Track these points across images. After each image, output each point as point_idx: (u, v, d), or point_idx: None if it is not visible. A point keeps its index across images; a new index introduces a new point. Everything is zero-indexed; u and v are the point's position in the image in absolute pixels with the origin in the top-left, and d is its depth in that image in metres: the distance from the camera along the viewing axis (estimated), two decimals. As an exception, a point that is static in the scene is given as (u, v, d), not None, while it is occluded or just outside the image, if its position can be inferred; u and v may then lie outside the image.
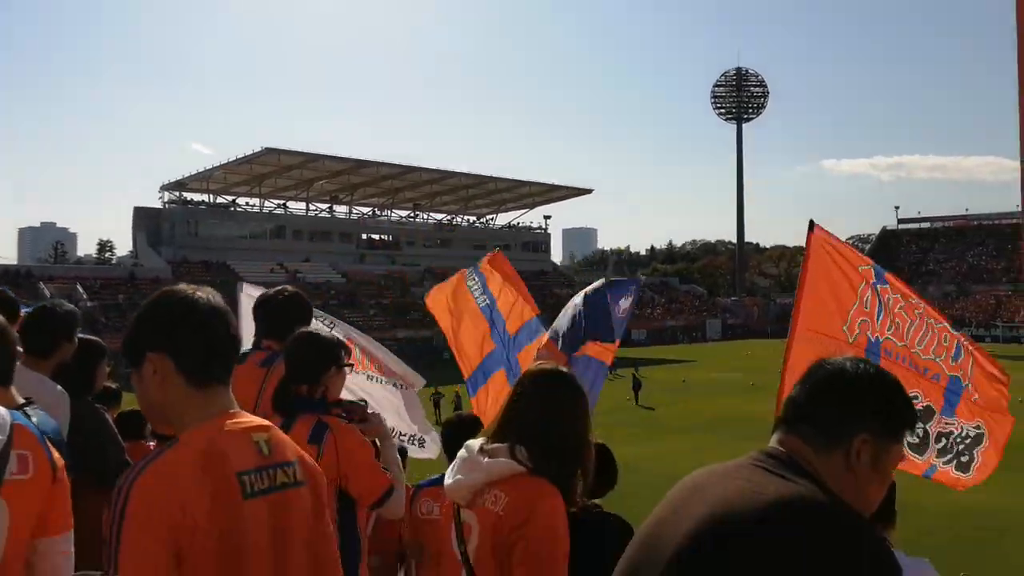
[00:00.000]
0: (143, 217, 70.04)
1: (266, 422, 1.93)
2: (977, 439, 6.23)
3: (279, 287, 4.02)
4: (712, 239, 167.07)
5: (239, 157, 67.34)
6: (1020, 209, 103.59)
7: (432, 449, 7.08)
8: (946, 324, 6.07)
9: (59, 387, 3.24)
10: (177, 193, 71.49)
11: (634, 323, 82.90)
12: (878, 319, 5.82)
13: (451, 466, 2.56)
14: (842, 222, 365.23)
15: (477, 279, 8.17)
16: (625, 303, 6.77)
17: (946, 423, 6.05)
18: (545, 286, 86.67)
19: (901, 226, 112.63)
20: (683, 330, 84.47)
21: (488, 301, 7.84)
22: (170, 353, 1.80)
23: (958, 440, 6.14)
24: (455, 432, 3.80)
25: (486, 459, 2.42)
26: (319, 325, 7.54)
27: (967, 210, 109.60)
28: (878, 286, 5.72)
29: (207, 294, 1.88)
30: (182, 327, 1.82)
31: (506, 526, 2.33)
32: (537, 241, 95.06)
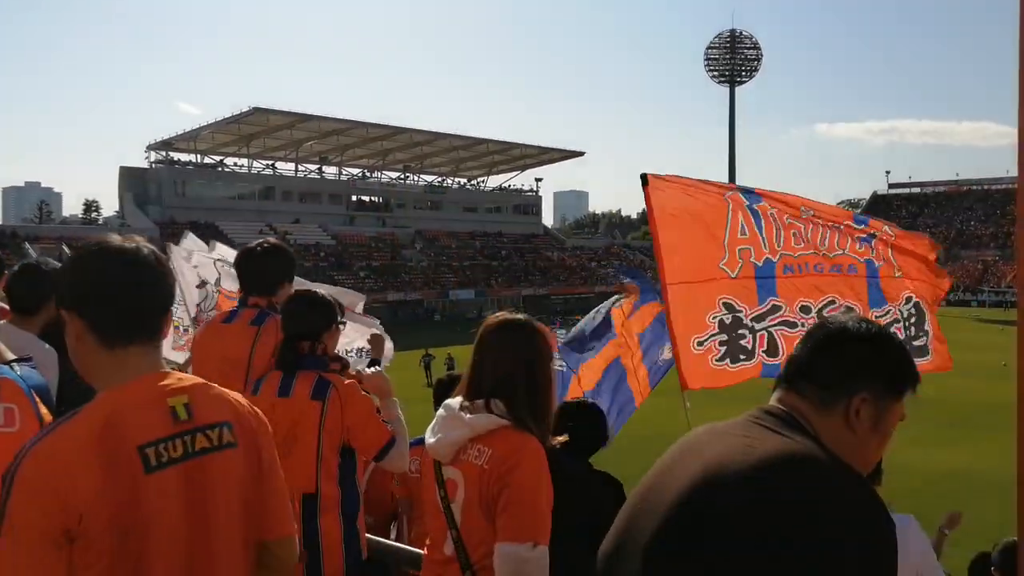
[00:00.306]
0: (129, 177, 69.49)
1: (195, 381, 1.79)
2: (919, 316, 5.99)
3: (260, 240, 3.91)
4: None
5: (227, 117, 66.71)
6: (1009, 175, 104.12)
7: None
8: (841, 218, 5.81)
9: (47, 346, 3.18)
10: (164, 153, 70.87)
11: (624, 286, 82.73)
12: (763, 240, 5.48)
13: (431, 425, 2.59)
14: (833, 186, 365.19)
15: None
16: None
17: (878, 315, 5.77)
18: (536, 249, 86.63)
19: (892, 191, 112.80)
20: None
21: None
22: (79, 312, 1.70)
23: (902, 326, 5.92)
24: (447, 392, 3.79)
25: (467, 415, 2.45)
26: (201, 259, 7.56)
27: (957, 175, 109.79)
28: (754, 206, 5.36)
29: (132, 245, 1.74)
30: (93, 283, 1.71)
31: (491, 478, 2.36)
32: (528, 204, 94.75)
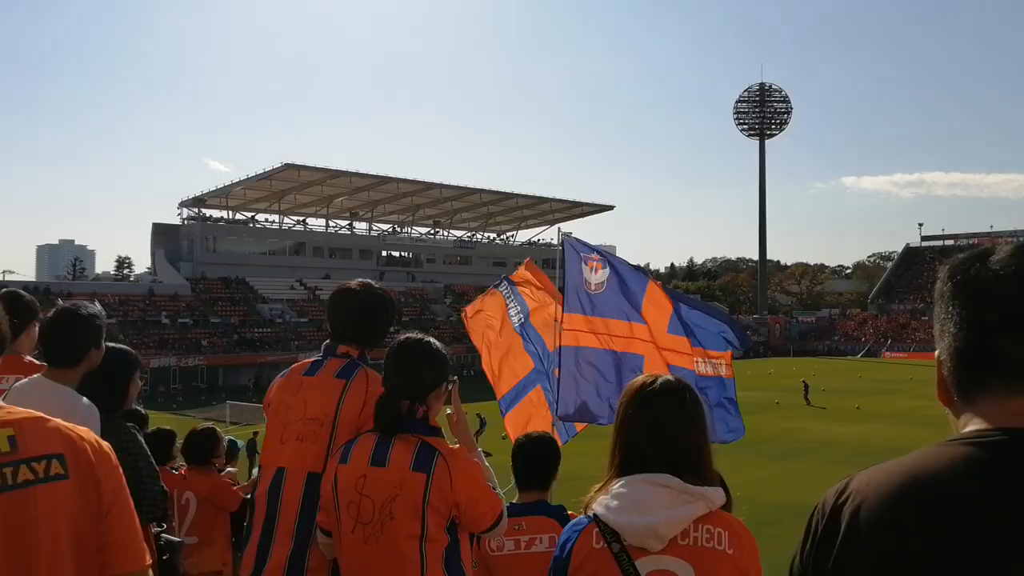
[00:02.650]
0: (162, 233, 70.16)
1: (27, 414, 1.75)
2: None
3: (358, 280, 3.33)
4: (733, 256, 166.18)
5: (259, 173, 67.49)
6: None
7: None
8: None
9: (87, 401, 2.83)
10: (196, 210, 71.57)
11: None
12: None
13: (619, 502, 2.05)
14: (863, 238, 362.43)
15: (512, 293, 8.02)
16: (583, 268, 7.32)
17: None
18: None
19: (924, 243, 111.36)
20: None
21: (522, 316, 7.73)
22: None
23: None
24: (531, 453, 3.63)
25: (691, 487, 2.04)
26: None
27: (992, 227, 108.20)
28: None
29: None
30: None
31: (738, 566, 2.02)
32: (557, 258, 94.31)
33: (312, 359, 3.18)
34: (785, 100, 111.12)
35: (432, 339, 2.92)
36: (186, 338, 58.45)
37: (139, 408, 4.79)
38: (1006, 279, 1.21)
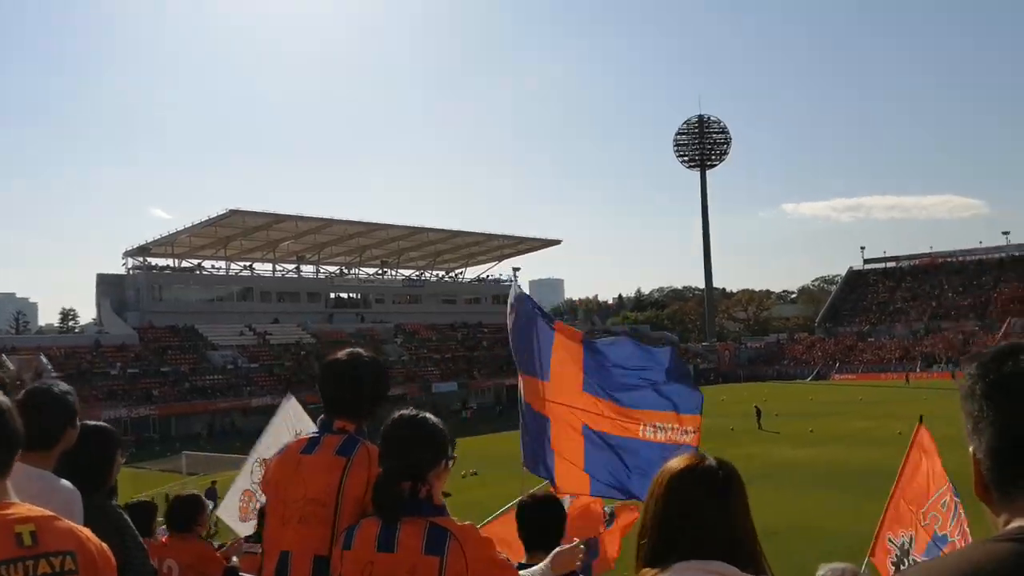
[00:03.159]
0: (107, 283, 68.96)
1: (43, 513, 1.91)
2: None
3: (347, 350, 3.22)
4: (679, 285, 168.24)
5: (204, 220, 66.86)
6: (983, 245, 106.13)
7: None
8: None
9: (67, 484, 2.74)
10: (141, 259, 70.54)
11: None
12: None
13: None
14: (805, 264, 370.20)
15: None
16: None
17: None
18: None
19: (867, 266, 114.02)
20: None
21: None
22: None
23: None
24: (539, 519, 3.68)
25: None
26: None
27: (931, 248, 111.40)
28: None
29: None
30: None
31: None
32: (506, 294, 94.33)
33: (308, 436, 3.10)
34: (724, 131, 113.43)
35: (428, 415, 2.81)
36: (136, 388, 57.26)
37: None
38: None
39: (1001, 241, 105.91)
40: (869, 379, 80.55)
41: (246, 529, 9.36)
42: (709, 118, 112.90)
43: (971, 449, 1.29)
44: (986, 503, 1.29)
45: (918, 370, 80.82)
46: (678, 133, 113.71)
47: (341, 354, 3.22)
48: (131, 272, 70.04)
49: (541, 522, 3.70)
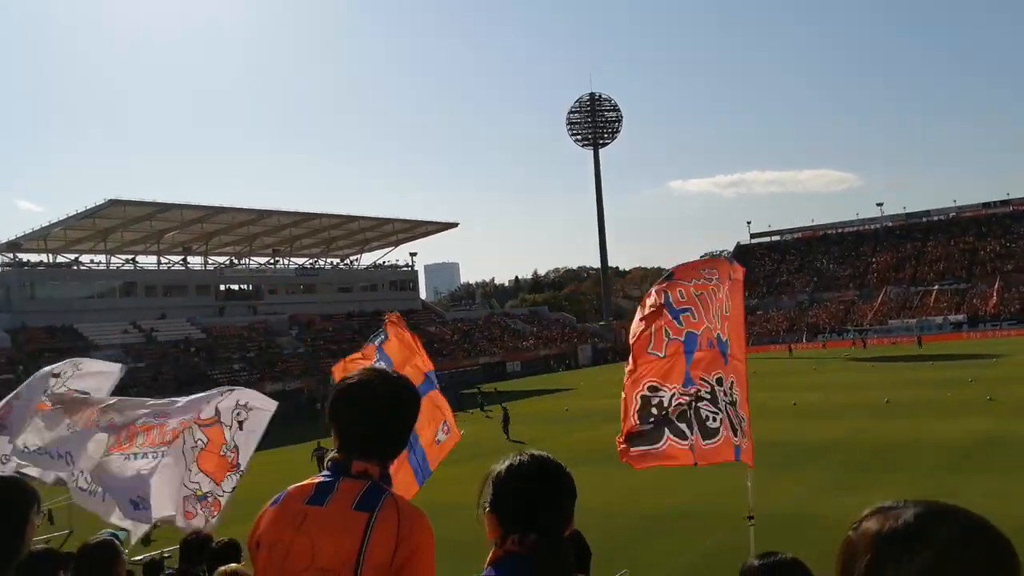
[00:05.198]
0: (-27, 283, 64.56)
1: None
2: (733, 401, 7.06)
3: (373, 368, 2.61)
4: (574, 266, 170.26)
5: (80, 211, 63.29)
6: (859, 217, 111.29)
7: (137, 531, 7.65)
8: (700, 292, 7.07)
9: None
10: (11, 255, 66.28)
11: (509, 355, 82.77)
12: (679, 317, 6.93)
13: None
14: (694, 239, 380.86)
15: (380, 350, 8.13)
16: None
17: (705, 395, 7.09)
18: (416, 324, 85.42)
19: (754, 240, 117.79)
20: (556, 358, 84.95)
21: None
22: None
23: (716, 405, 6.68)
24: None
25: None
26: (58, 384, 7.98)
27: (813, 220, 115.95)
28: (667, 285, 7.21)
29: None
30: None
31: None
32: (404, 279, 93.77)
33: (317, 479, 2.42)
34: (615, 108, 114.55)
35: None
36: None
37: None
38: None
39: (875, 212, 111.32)
40: (760, 351, 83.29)
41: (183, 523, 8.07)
42: (600, 96, 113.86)
43: None
44: None
45: (804, 340, 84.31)
46: (571, 111, 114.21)
47: (363, 375, 2.53)
48: (0, 269, 65.78)
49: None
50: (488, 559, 2.14)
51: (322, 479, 2.39)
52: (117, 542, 4.82)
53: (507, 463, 2.19)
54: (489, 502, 2.15)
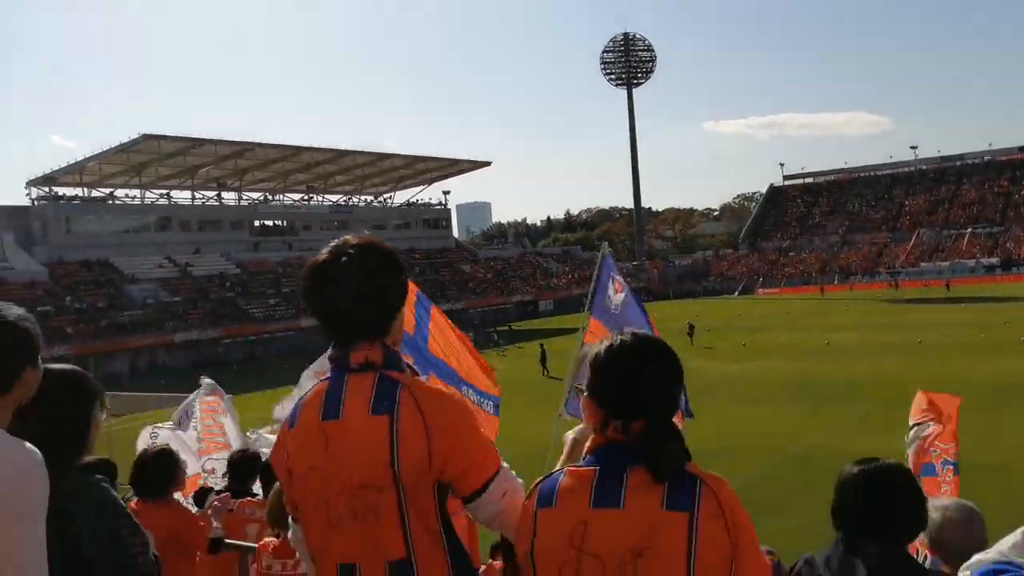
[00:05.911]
0: (9, 215, 64.51)
1: None
2: None
3: (338, 239, 2.31)
4: (606, 206, 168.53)
5: (114, 146, 63.41)
6: (893, 159, 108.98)
7: None
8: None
9: (29, 448, 1.79)
10: (47, 189, 66.74)
11: (541, 294, 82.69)
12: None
13: None
14: (727, 181, 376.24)
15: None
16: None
17: None
18: (450, 263, 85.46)
19: (787, 182, 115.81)
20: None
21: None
22: None
23: None
24: None
25: None
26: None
27: (846, 163, 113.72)
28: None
29: None
30: None
31: None
32: (438, 218, 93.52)
33: (321, 383, 2.18)
34: (649, 48, 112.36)
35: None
36: (48, 327, 54.63)
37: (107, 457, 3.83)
38: None
39: (909, 156, 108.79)
40: (791, 292, 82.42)
41: (194, 464, 8.54)
42: (635, 36, 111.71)
43: None
44: None
45: (836, 282, 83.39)
46: (604, 51, 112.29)
47: (346, 244, 2.27)
48: (36, 203, 66.19)
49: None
50: (586, 447, 2.00)
51: (328, 384, 2.15)
52: (176, 454, 4.89)
53: (607, 343, 2.01)
54: (587, 385, 2.00)
